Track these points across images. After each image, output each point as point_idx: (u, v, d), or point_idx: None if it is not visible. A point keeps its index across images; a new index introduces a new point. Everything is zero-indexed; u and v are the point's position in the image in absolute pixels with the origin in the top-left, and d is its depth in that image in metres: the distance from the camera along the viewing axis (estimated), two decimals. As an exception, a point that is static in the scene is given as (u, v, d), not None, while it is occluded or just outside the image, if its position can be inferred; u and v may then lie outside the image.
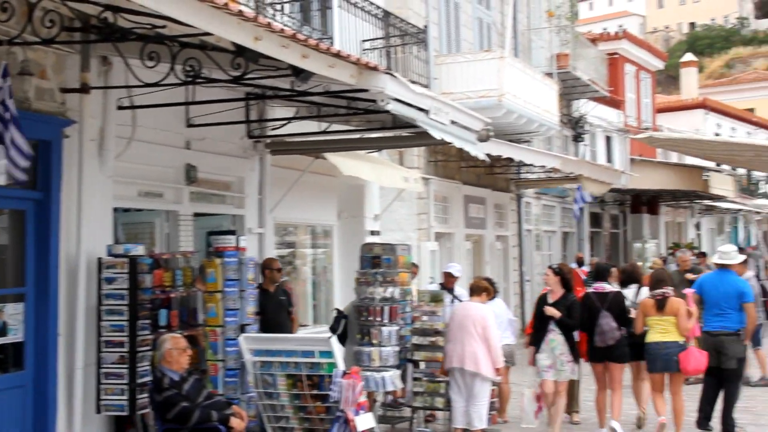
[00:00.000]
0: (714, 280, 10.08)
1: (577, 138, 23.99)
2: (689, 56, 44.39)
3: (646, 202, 27.68)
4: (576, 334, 9.75)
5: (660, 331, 9.48)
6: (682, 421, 9.45)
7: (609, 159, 26.99)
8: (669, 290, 9.56)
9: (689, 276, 13.59)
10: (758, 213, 38.24)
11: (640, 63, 29.75)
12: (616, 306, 9.68)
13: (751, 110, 44.14)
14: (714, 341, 9.68)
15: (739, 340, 9.70)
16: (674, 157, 30.88)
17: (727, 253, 10.17)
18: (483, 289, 9.47)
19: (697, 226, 35.32)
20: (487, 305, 9.46)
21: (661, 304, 9.43)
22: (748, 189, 37.11)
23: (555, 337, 9.50)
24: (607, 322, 9.54)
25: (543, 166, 16.79)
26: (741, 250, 14.10)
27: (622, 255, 27.89)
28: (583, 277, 16.22)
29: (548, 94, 17.74)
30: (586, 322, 9.65)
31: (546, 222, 22.54)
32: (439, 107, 7.92)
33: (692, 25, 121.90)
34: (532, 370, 9.90)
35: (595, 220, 26.30)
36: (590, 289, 10.11)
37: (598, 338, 9.58)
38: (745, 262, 11.51)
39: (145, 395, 7.30)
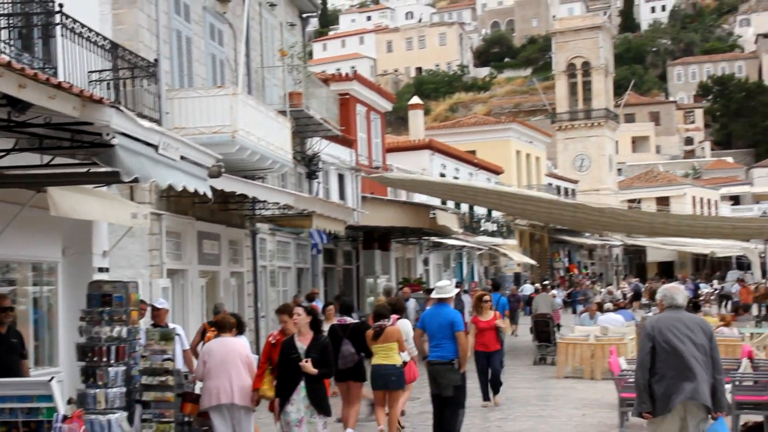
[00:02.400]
0: (432, 314, 10.74)
1: (311, 175, 24.46)
2: (416, 99, 46.60)
3: (377, 238, 28.61)
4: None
5: (381, 357, 11.12)
6: (395, 428, 11.40)
7: (342, 196, 27.71)
8: (387, 322, 11.22)
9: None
10: (480, 249, 40.67)
11: (370, 104, 30.86)
12: (356, 335, 11.36)
13: (473, 152, 46.95)
14: (432, 370, 10.38)
15: (453, 368, 10.36)
16: (404, 195, 32.23)
17: (442, 287, 10.91)
18: (231, 324, 9.56)
19: (425, 262, 36.96)
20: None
21: (377, 335, 11.07)
22: (471, 226, 39.39)
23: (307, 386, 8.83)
24: (347, 348, 11.23)
25: (277, 203, 16.95)
26: (458, 285, 16.04)
27: (355, 290, 28.64)
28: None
29: (282, 132, 17.97)
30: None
31: (281, 258, 22.73)
32: (169, 142, 7.82)
33: (419, 69, 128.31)
34: (278, 427, 9.16)
35: (329, 256, 26.84)
36: (335, 322, 12.03)
37: (341, 362, 11.05)
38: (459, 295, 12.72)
39: None
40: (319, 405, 8.72)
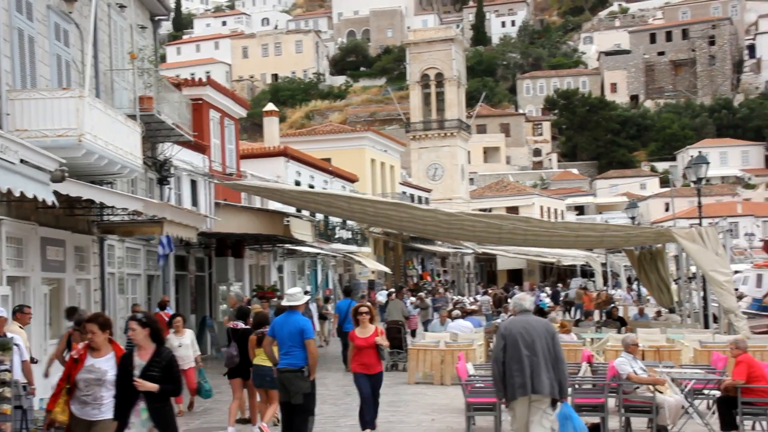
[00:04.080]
0: (282, 321, 10.73)
1: (163, 181, 23.96)
2: (271, 106, 46.37)
3: (231, 245, 28.29)
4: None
5: (262, 359, 12.01)
6: (269, 416, 12.52)
7: (194, 203, 27.26)
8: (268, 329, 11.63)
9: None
10: (334, 256, 40.80)
11: (224, 110, 30.52)
12: (243, 339, 12.76)
13: (328, 160, 47.10)
14: (281, 378, 10.34)
15: (303, 376, 10.36)
16: (258, 202, 31.97)
17: (292, 295, 10.90)
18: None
19: (280, 269, 36.79)
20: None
21: (260, 340, 11.93)
22: (326, 234, 39.47)
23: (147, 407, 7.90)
24: (230, 350, 12.96)
25: (125, 209, 16.51)
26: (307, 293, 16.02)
27: (207, 298, 28.21)
28: (167, 319, 16.24)
29: (131, 136, 17.54)
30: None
31: (130, 265, 22.15)
32: (7, 145, 7.52)
33: (275, 76, 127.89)
34: None
35: (181, 263, 26.35)
36: (230, 325, 13.51)
37: (227, 361, 12.97)
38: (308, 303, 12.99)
39: None
40: (165, 427, 7.75)
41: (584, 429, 9.90)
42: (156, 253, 22.73)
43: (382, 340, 12.20)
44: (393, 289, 36.44)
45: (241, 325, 13.25)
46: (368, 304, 13.13)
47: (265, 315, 13.25)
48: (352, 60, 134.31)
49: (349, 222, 42.26)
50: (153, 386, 7.54)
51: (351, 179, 47.72)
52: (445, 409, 15.27)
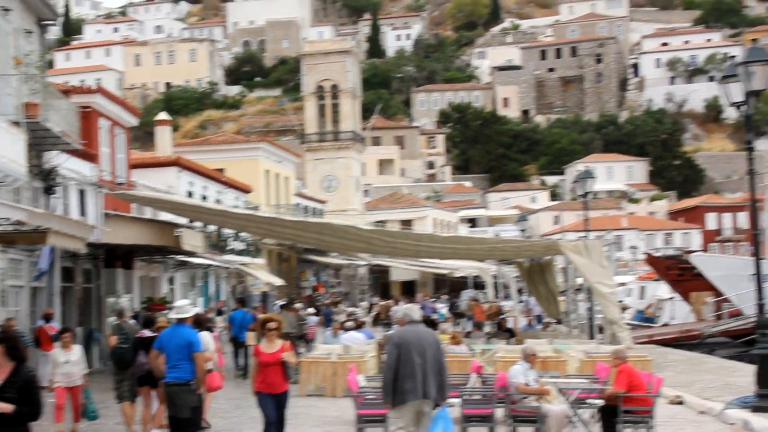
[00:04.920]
0: (170, 334, 10.57)
1: (49, 191, 23.31)
2: (164, 115, 45.64)
3: (120, 256, 27.69)
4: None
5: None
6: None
7: (82, 213, 26.60)
8: None
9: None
10: (227, 268, 40.37)
11: (114, 118, 29.89)
12: (147, 347, 12.41)
13: (221, 170, 46.63)
14: (168, 391, 10.16)
15: (190, 389, 10.23)
16: (148, 213, 31.38)
17: (181, 307, 10.77)
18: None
19: (171, 281, 36.18)
20: None
21: None
22: (218, 245, 39.02)
23: None
24: (140, 359, 12.81)
25: (7, 218, 15.97)
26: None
27: (95, 310, 27.52)
28: (52, 333, 15.74)
29: (15, 144, 17.03)
30: (133, 358, 13.03)
31: (12, 276, 21.45)
32: None
33: (168, 85, 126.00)
34: None
35: (68, 274, 25.64)
36: (138, 335, 13.28)
37: (137, 370, 12.93)
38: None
39: None
40: None
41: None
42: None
43: (290, 357, 11.17)
44: (284, 301, 36.26)
45: (147, 333, 13.18)
46: (279, 317, 11.96)
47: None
48: (247, 70, 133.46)
49: (242, 234, 41.90)
50: (7, 407, 6.70)
51: (245, 190, 47.34)
52: (336, 421, 15.27)
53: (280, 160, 56.72)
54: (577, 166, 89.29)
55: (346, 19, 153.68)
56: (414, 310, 10.31)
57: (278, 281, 45.51)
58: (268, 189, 53.75)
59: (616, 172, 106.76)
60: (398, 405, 9.77)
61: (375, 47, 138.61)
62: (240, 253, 42.21)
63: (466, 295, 51.47)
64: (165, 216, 29.09)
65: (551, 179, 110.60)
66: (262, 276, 42.22)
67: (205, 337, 12.99)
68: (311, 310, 31.55)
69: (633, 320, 42.31)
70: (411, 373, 9.61)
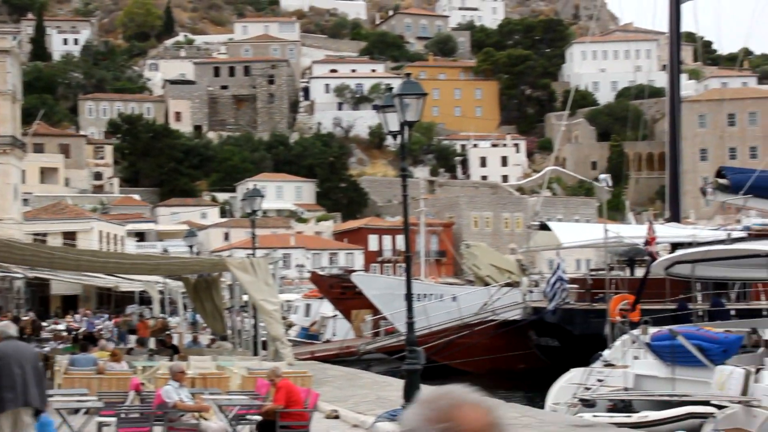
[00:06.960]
0: None
1: None
2: None
3: None
4: None
5: None
6: None
7: None
8: None
9: None
10: None
11: None
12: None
13: None
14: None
15: None
16: None
17: None
18: None
19: None
20: None
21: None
22: None
23: None
24: None
25: None
26: None
27: None
28: None
29: None
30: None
31: None
32: None
33: None
34: None
35: None
36: None
37: None
38: None
39: None
40: None
41: None
42: None
43: None
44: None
45: None
46: None
47: None
48: None
49: None
50: None
51: None
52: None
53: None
54: (248, 184, 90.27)
55: (7, 17, 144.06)
56: (10, 327, 11.27)
57: None
58: None
59: (285, 192, 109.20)
60: (0, 413, 10.30)
61: (39, 49, 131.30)
62: None
63: (131, 310, 50.12)
64: None
65: (222, 196, 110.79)
66: None
67: None
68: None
69: (298, 337, 43.47)
70: (11, 384, 10.22)
